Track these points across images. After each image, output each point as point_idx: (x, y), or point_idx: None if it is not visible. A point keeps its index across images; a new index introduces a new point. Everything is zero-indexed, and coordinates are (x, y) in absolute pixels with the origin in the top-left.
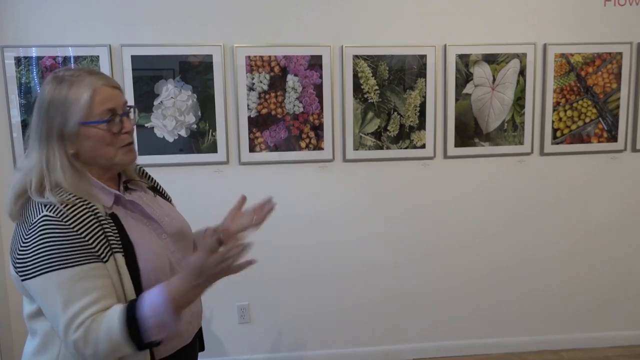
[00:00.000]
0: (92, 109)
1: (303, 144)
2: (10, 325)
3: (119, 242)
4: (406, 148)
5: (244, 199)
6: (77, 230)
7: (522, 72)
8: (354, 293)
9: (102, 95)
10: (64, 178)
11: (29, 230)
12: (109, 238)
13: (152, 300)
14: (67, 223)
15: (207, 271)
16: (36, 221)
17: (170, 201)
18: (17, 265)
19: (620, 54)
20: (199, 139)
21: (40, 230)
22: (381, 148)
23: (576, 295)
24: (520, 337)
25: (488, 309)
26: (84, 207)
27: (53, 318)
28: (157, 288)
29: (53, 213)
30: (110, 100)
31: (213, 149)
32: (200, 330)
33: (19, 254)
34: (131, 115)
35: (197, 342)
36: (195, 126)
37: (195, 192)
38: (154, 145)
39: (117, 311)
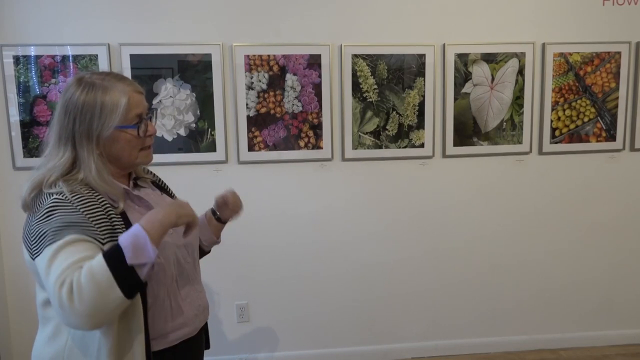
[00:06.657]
0: (125, 115)
1: (302, 143)
2: (8, 322)
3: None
4: (405, 147)
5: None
6: (82, 213)
7: (520, 72)
8: (352, 292)
9: (133, 101)
10: (97, 176)
11: (39, 211)
12: (115, 227)
13: (128, 231)
14: (74, 206)
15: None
16: (46, 203)
17: (175, 199)
18: (28, 242)
19: (619, 53)
20: (197, 138)
21: (48, 209)
22: (380, 147)
23: (575, 294)
24: (518, 336)
25: (487, 308)
26: (93, 199)
27: (47, 287)
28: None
29: (62, 197)
30: (138, 105)
31: (212, 148)
32: (206, 327)
33: (29, 232)
34: (153, 119)
35: (204, 338)
36: (194, 125)
37: (194, 191)
38: (153, 144)
39: (98, 255)
